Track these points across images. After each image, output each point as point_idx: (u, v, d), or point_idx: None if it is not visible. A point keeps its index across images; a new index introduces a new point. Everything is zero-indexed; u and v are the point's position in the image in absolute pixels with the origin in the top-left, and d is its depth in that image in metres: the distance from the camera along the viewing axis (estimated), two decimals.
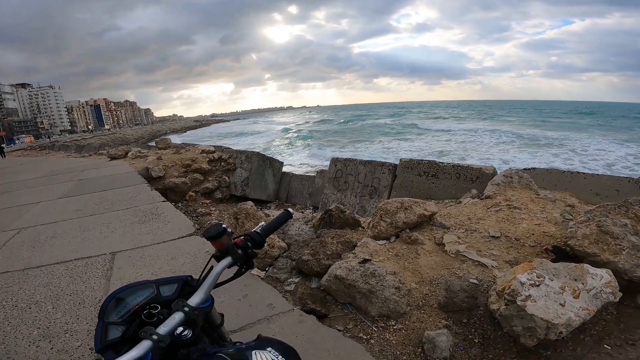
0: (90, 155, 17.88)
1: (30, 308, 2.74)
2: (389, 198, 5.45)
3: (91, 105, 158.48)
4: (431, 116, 72.67)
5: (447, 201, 4.45)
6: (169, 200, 5.86)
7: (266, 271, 3.04)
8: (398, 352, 1.95)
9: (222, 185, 8.58)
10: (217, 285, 0.84)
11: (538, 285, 1.81)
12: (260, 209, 5.55)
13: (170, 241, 3.92)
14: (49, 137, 79.31)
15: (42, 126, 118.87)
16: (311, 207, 7.91)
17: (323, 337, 2.05)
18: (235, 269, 0.90)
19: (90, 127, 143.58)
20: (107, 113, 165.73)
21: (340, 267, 2.42)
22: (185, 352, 0.72)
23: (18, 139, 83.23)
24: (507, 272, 2.08)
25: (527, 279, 1.85)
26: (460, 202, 3.97)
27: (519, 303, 1.76)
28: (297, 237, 3.44)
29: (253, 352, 0.71)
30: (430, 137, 35.27)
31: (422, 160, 5.79)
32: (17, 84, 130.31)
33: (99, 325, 0.77)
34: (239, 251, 0.87)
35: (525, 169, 4.72)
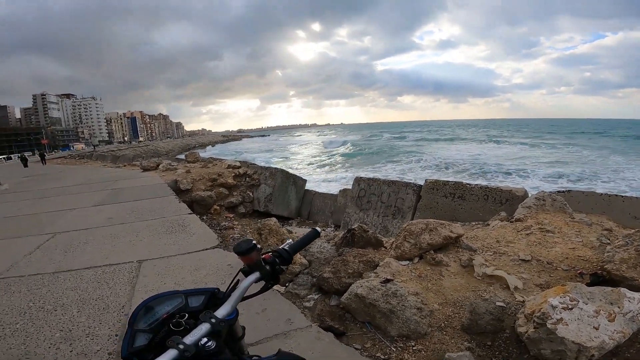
0: (125, 166, 18.81)
1: (56, 310, 2.83)
2: (412, 219, 5.35)
3: (128, 118, 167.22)
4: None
5: (473, 223, 4.31)
6: (194, 213, 6.02)
7: (286, 287, 3.03)
8: None
9: (246, 200, 8.73)
10: (243, 298, 0.85)
11: (571, 309, 1.76)
12: (283, 225, 5.58)
13: (194, 252, 4.00)
14: (94, 147, 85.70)
15: (83, 136, 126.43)
16: (332, 226, 7.88)
17: (339, 355, 2.00)
18: (261, 283, 0.91)
19: (126, 138, 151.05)
20: (142, 125, 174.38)
21: (361, 286, 2.38)
22: None
23: (72, 146, 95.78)
24: (537, 296, 2.03)
25: (560, 302, 1.80)
26: (488, 225, 3.83)
27: (549, 326, 1.72)
28: (318, 255, 3.42)
29: None
30: None
31: (449, 181, 5.67)
32: (62, 94, 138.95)
33: (127, 332, 0.79)
34: (267, 267, 0.89)
35: (559, 192, 4.51)
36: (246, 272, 0.89)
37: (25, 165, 26.17)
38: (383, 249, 3.25)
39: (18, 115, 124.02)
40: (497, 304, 2.12)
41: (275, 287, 2.96)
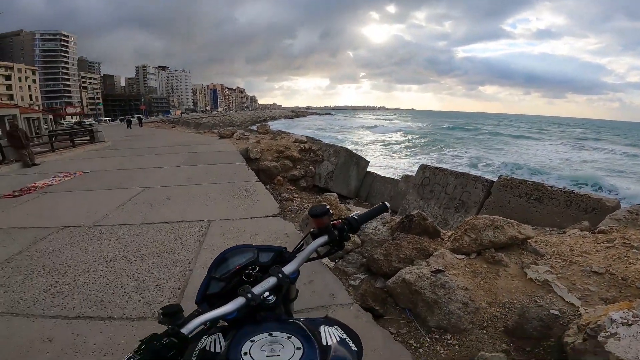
0: (205, 132, 20.55)
1: (135, 260, 3.17)
2: (476, 215, 5.06)
3: (210, 89, 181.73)
4: None
5: (547, 229, 3.91)
6: (260, 181, 6.40)
7: (335, 262, 3.13)
8: None
9: (308, 174, 8.98)
10: (309, 259, 0.90)
11: (630, 325, 1.58)
12: (341, 203, 5.68)
13: (256, 218, 4.30)
14: (181, 113, 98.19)
15: (173, 104, 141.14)
16: (390, 211, 7.78)
17: (374, 336, 2.04)
18: (327, 248, 0.95)
19: (207, 107, 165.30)
20: (221, 97, 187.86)
21: (410, 272, 2.35)
22: (264, 315, 0.78)
23: (170, 112, 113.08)
24: (598, 308, 1.84)
25: (620, 317, 1.62)
26: (564, 233, 3.44)
27: (599, 339, 1.57)
28: (372, 236, 3.44)
29: (322, 326, 0.74)
30: None
31: (526, 180, 5.15)
32: (158, 67, 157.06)
33: (205, 278, 0.88)
34: (335, 232, 0.92)
35: None
36: (315, 235, 0.93)
37: (129, 127, 30.89)
38: (439, 239, 3.15)
39: (122, 83, 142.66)
40: (552, 311, 1.95)
41: (325, 261, 3.09)
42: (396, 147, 37.39)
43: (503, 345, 1.92)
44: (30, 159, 9.65)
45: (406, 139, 46.00)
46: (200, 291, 0.86)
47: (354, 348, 0.69)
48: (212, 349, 0.69)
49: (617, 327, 1.58)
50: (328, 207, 0.91)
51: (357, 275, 2.85)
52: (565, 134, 64.62)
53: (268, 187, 7.09)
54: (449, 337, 2.02)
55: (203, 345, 0.71)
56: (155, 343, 0.58)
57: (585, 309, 1.91)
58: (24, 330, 2.10)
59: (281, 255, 0.95)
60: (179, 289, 2.63)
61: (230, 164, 8.12)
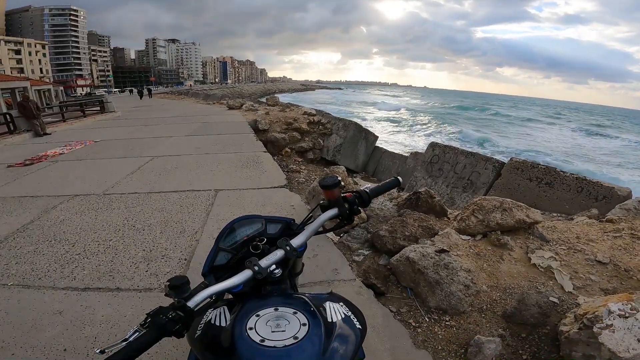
0: (214, 103, 20.39)
1: (144, 230, 3.20)
2: (484, 196, 5.02)
3: (220, 62, 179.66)
4: None
5: (554, 215, 3.83)
6: (268, 152, 6.37)
7: (340, 237, 3.12)
8: (440, 347, 1.86)
9: (316, 147, 8.91)
10: (317, 232, 0.87)
11: (626, 317, 1.55)
12: (348, 176, 5.63)
13: (263, 189, 4.30)
14: (190, 85, 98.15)
15: (182, 76, 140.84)
16: (401, 186, 7.74)
17: (374, 313, 2.05)
18: (335, 221, 0.92)
19: (217, 79, 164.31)
20: (231, 69, 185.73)
21: (414, 250, 2.33)
22: (270, 288, 0.78)
23: (183, 84, 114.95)
24: (597, 298, 1.81)
25: (619, 308, 1.59)
26: (572, 219, 3.36)
27: (594, 330, 1.55)
28: (378, 211, 3.41)
29: (327, 302, 0.74)
30: None
31: (538, 164, 5.03)
32: (168, 39, 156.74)
33: (212, 249, 0.87)
34: (346, 205, 0.88)
35: None
36: (324, 207, 0.90)
37: (141, 97, 31.68)
38: (446, 219, 3.10)
39: (132, 56, 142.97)
40: (551, 299, 1.92)
41: (330, 235, 3.08)
42: (388, 123, 36.90)
43: (500, 330, 1.91)
44: (41, 128, 9.75)
45: (401, 115, 45.09)
46: (207, 263, 0.85)
47: (357, 326, 0.69)
48: (218, 323, 0.69)
49: (613, 319, 1.56)
50: (340, 178, 0.87)
51: (361, 251, 2.84)
52: (580, 121, 61.41)
53: (275, 158, 7.06)
54: (447, 319, 2.02)
55: (208, 319, 0.71)
56: (161, 317, 0.57)
57: (585, 299, 1.88)
58: (35, 303, 2.14)
59: (289, 227, 0.93)
60: (185, 259, 2.66)
61: (238, 135, 8.08)
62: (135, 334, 0.55)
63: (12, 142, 8.79)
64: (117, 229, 3.22)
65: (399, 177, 1.04)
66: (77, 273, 2.49)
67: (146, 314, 0.58)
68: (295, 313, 0.66)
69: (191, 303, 0.62)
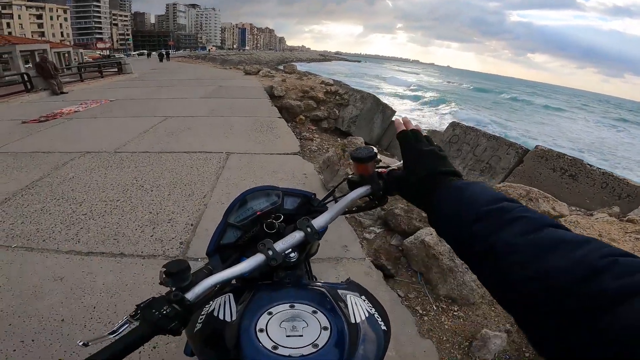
0: (231, 68, 20.00)
1: (152, 191, 3.08)
2: (502, 181, 4.68)
3: (239, 28, 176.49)
4: None
5: (573, 208, 3.59)
6: (282, 118, 6.14)
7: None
8: (444, 338, 1.72)
9: (331, 116, 8.64)
10: (344, 212, 0.71)
11: None
12: None
13: (276, 154, 4.11)
14: (208, 50, 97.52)
15: (201, 41, 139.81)
16: None
17: (381, 297, 1.87)
18: (365, 201, 0.75)
19: (235, 46, 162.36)
20: (249, 36, 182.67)
21: (431, 234, 2.13)
22: (283, 275, 0.66)
23: (205, 48, 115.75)
24: None
25: None
26: (591, 215, 3.09)
27: None
28: None
29: (348, 295, 0.63)
30: None
31: (565, 154, 4.67)
32: (188, 4, 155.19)
33: (220, 224, 0.73)
34: (380, 183, 0.70)
35: None
36: (354, 184, 0.72)
37: (161, 60, 31.65)
38: None
39: (152, 20, 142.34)
40: None
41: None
42: (396, 98, 35.58)
43: (507, 325, 1.80)
44: (58, 87, 9.73)
45: (406, 92, 43.30)
46: (212, 240, 0.71)
47: (383, 327, 0.59)
48: (221, 316, 0.58)
49: None
50: (376, 150, 0.68)
51: (373, 228, 2.63)
52: (602, 113, 56.25)
53: (289, 124, 6.84)
54: (455, 309, 1.89)
55: (210, 309, 0.60)
56: (153, 312, 0.46)
57: None
58: (37, 268, 2.05)
59: (309, 203, 0.78)
60: (192, 224, 2.54)
61: (254, 99, 7.87)
62: (124, 327, 0.46)
63: (28, 100, 8.81)
64: (126, 189, 3.11)
65: None
66: (82, 235, 2.39)
67: (136, 305, 0.47)
68: (314, 312, 0.55)
69: (190, 295, 0.50)
